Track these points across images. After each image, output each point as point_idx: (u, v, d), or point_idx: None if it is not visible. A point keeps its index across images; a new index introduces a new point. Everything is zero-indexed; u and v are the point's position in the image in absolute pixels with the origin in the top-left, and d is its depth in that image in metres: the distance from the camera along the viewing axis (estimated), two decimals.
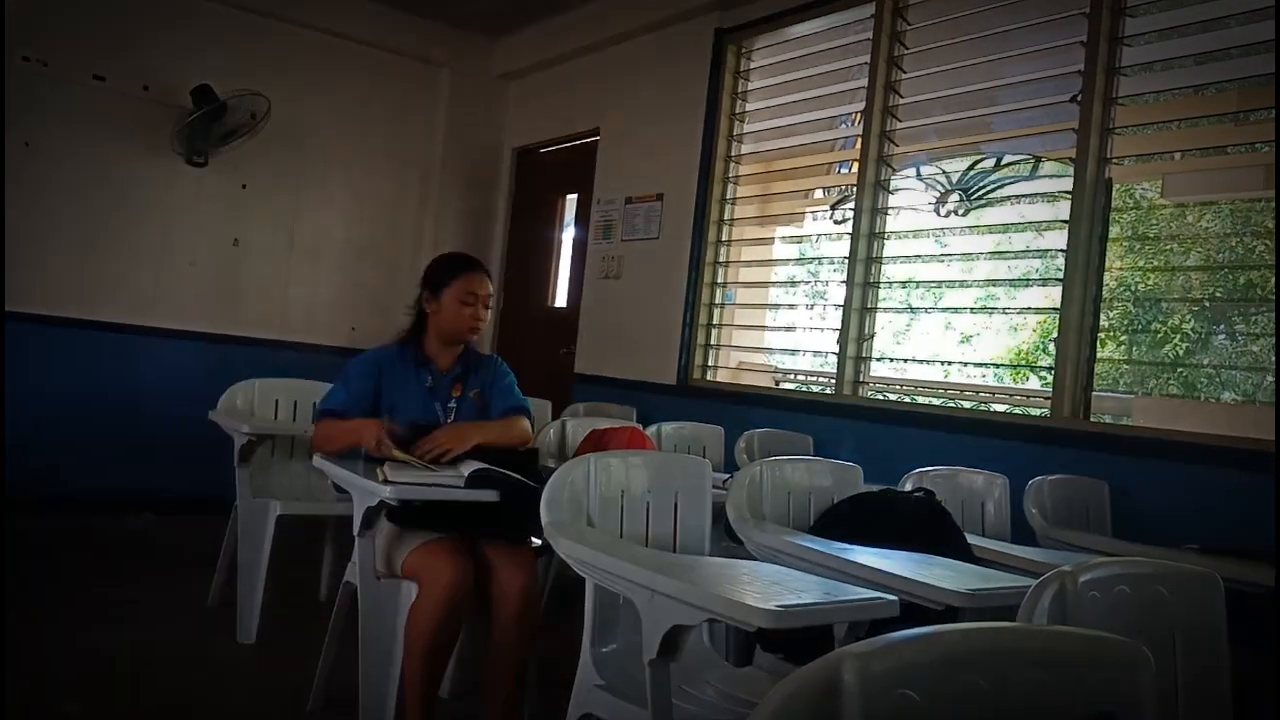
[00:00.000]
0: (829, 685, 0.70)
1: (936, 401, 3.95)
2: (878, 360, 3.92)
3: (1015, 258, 4.10)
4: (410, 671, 2.17)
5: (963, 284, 3.82)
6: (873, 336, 3.87)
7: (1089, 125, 3.17)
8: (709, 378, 4.52)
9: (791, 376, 4.40)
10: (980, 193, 3.64)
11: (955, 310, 4.21)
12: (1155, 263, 5.57)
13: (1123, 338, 4.04)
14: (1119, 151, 3.18)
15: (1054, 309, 3.28)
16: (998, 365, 5.88)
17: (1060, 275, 3.22)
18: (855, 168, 3.94)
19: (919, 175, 3.84)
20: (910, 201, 3.83)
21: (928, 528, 2.15)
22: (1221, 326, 5.33)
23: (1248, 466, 2.63)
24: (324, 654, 2.56)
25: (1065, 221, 3.21)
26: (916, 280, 3.99)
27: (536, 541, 2.33)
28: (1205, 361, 5.56)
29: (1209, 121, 3.18)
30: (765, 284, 4.49)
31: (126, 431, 4.78)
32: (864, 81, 3.92)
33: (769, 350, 4.50)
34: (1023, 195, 3.51)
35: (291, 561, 3.20)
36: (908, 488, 2.44)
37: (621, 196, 5.02)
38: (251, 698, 2.70)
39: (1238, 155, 3.01)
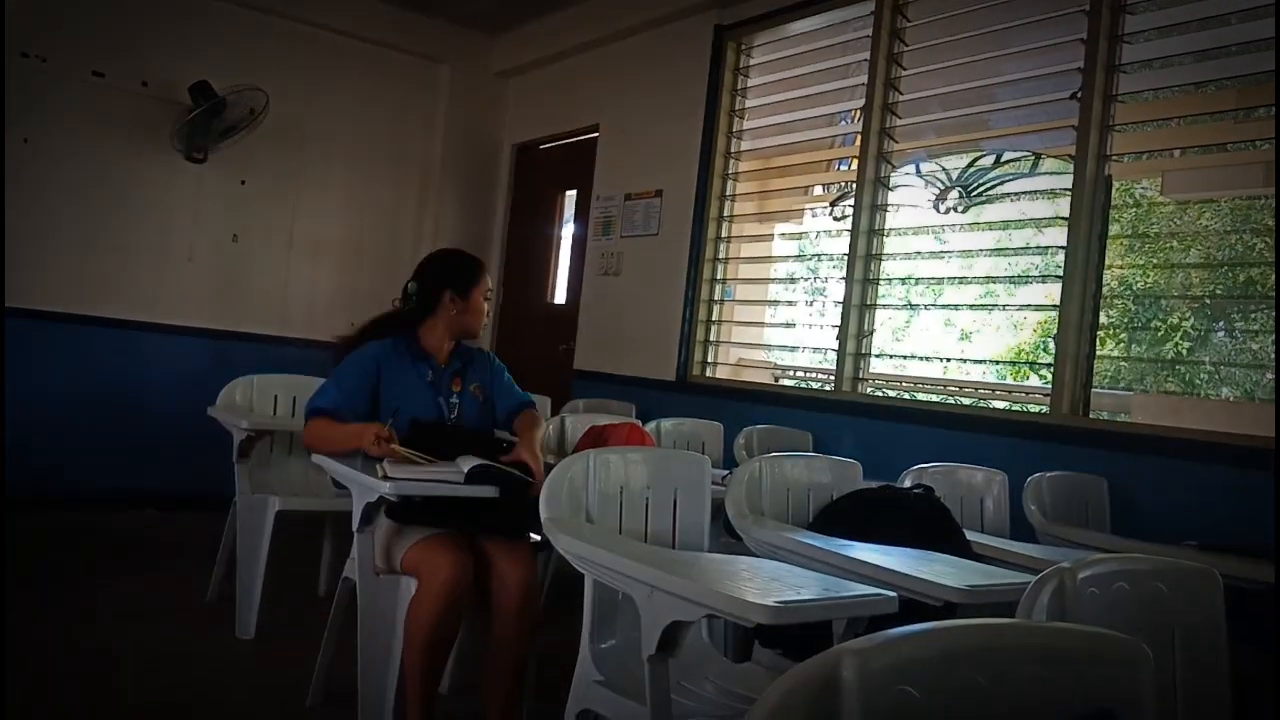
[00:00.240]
0: (828, 681, 0.70)
1: (936, 398, 3.94)
2: (877, 357, 3.92)
3: (1015, 255, 4.09)
4: (410, 666, 2.17)
5: (962, 281, 3.81)
6: (872, 333, 3.87)
7: (1089, 122, 3.16)
8: (708, 374, 4.51)
9: (791, 373, 4.40)
10: (980, 190, 3.64)
11: (955, 307, 4.21)
12: (1155, 260, 5.56)
13: (1122, 335, 4.03)
14: (1119, 149, 3.18)
15: (1053, 306, 3.28)
16: (997, 362, 5.87)
17: (1060, 272, 3.22)
18: (855, 164, 3.94)
19: (919, 172, 3.83)
20: (910, 198, 3.83)
21: (927, 524, 2.15)
22: (1221, 324, 5.33)
23: (1247, 463, 2.63)
24: (323, 649, 2.56)
25: (1065, 219, 3.21)
26: (916, 277, 3.99)
27: (536, 537, 2.33)
28: (1205, 359, 5.56)
29: (1209, 119, 3.17)
30: (765, 280, 4.49)
31: (126, 427, 4.79)
32: (863, 78, 3.92)
33: (768, 347, 4.50)
34: (1022, 192, 3.51)
35: (291, 557, 3.20)
36: (907, 484, 2.44)
37: (621, 193, 5.01)
38: (251, 693, 2.70)
39: (1238, 152, 3.01)
